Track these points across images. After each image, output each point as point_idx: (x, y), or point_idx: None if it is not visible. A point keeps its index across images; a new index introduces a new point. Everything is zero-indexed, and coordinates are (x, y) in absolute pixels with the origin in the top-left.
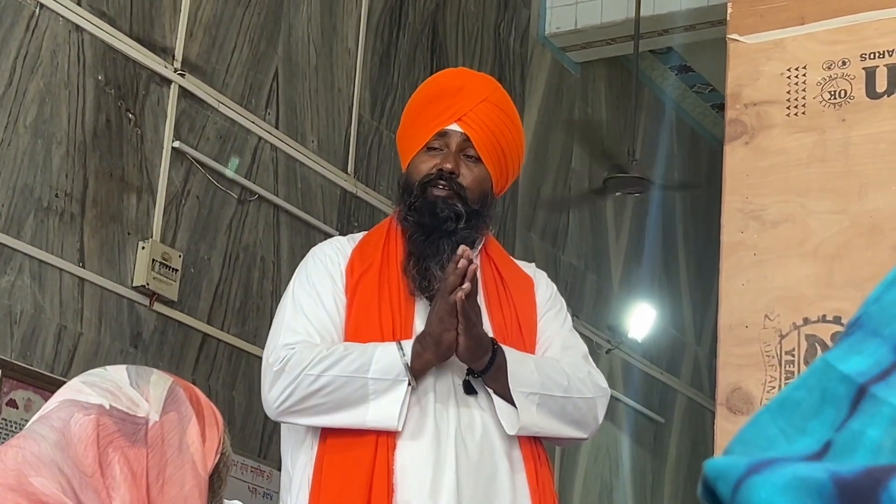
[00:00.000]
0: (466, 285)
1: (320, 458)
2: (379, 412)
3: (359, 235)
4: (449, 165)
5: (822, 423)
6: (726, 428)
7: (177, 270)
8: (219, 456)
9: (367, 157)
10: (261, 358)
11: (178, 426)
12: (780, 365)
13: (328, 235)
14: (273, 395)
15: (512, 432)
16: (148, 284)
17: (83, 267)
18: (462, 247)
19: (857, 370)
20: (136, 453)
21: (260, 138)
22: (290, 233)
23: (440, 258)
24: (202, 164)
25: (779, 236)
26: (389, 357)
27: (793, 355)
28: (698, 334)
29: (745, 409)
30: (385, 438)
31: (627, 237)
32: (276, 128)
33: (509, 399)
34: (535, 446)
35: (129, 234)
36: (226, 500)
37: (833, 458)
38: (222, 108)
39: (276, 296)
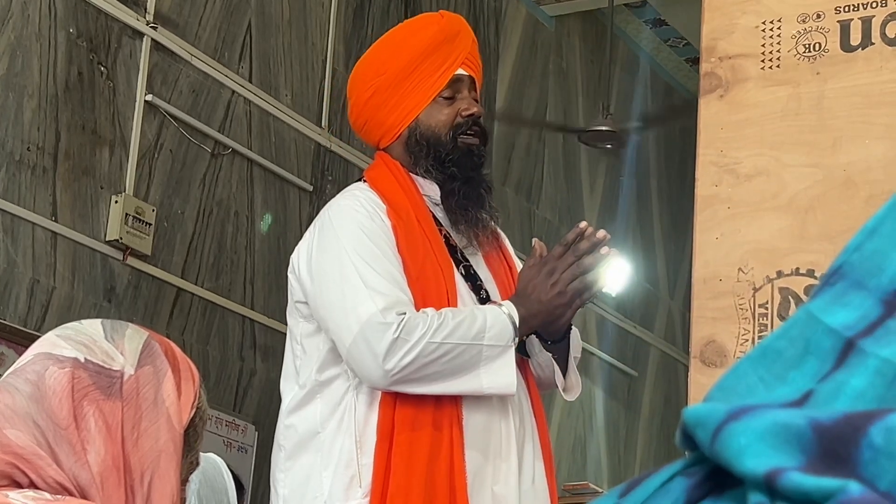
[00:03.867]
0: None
1: (385, 422)
2: (495, 378)
3: (365, 187)
4: (475, 110)
5: (803, 373)
6: (700, 381)
7: (150, 224)
8: (194, 410)
9: (340, 110)
10: (234, 312)
11: (154, 380)
12: (754, 318)
13: (302, 190)
14: (392, 364)
15: (572, 398)
16: (121, 238)
17: (56, 221)
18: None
19: (843, 323)
20: (111, 406)
21: (233, 92)
22: (263, 187)
23: (483, 204)
24: (175, 118)
25: (753, 189)
26: (502, 322)
27: (766, 308)
28: (672, 288)
29: (719, 361)
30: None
31: (601, 191)
32: (250, 81)
33: (561, 365)
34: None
35: (101, 187)
36: (201, 454)
37: (813, 407)
38: (195, 62)
39: (250, 249)
